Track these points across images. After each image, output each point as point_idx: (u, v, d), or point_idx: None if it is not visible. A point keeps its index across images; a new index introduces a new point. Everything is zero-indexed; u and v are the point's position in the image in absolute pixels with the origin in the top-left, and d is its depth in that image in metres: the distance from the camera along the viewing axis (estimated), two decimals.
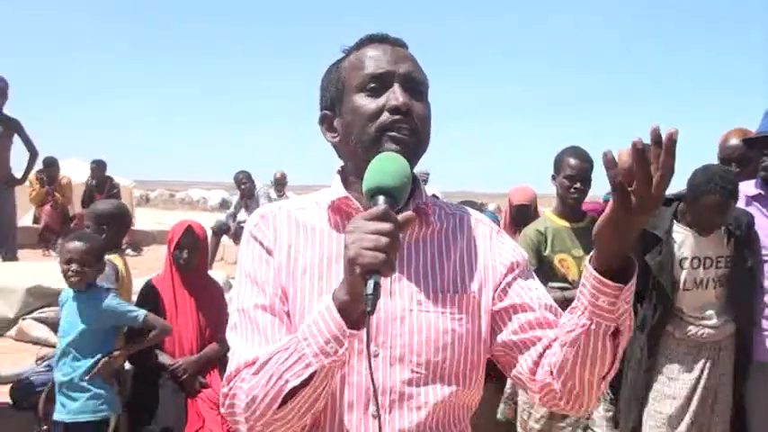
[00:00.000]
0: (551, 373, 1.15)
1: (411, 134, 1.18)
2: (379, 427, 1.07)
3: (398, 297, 1.18)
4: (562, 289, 3.15)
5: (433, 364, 1.17)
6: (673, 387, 2.91)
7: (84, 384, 2.93)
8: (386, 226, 0.98)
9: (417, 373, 1.16)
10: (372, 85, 1.20)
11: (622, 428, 3.06)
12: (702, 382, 2.90)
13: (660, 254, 2.85)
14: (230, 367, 1.13)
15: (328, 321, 1.03)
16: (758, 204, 3.02)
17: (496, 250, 1.27)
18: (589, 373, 1.11)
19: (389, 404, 1.15)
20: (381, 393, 1.14)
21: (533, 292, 1.25)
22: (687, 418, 2.88)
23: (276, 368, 1.05)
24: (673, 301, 2.88)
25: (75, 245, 2.97)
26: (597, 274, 1.03)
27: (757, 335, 2.99)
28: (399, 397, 1.15)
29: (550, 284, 3.12)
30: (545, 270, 3.13)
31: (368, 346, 0.99)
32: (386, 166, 1.07)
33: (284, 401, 1.05)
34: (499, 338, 1.23)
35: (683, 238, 2.88)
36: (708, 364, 2.91)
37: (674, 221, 2.91)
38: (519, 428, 3.27)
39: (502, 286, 1.24)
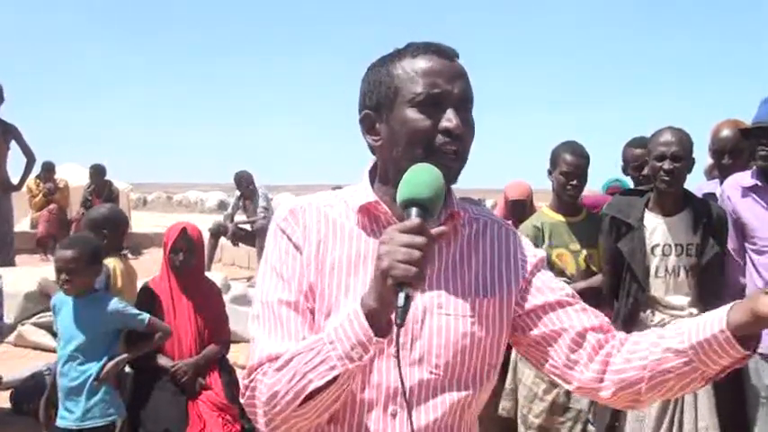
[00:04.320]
0: (616, 383, 1.18)
1: (456, 158, 1.18)
2: (411, 426, 1.13)
3: (420, 299, 1.18)
4: None
5: (450, 367, 1.19)
6: None
7: (94, 389, 2.90)
8: (419, 240, 1.00)
9: (435, 374, 1.18)
10: (426, 102, 1.18)
11: (597, 424, 3.03)
12: None
13: (632, 240, 2.88)
14: (252, 359, 1.15)
15: (355, 327, 1.05)
16: (755, 195, 3.00)
17: (519, 254, 1.28)
18: (669, 394, 1.18)
19: (408, 404, 1.17)
20: (401, 393, 1.15)
21: (555, 284, 1.28)
22: (669, 411, 2.82)
23: (300, 367, 1.07)
24: (646, 289, 2.88)
25: (62, 254, 2.95)
26: (735, 342, 1.06)
27: None
28: (417, 397, 1.18)
29: None
30: None
31: (398, 357, 1.05)
32: (420, 178, 1.07)
33: (305, 400, 1.08)
34: (529, 335, 1.25)
35: (654, 226, 2.91)
36: None
37: (646, 210, 2.94)
38: (519, 423, 3.27)
39: (525, 287, 1.26)
